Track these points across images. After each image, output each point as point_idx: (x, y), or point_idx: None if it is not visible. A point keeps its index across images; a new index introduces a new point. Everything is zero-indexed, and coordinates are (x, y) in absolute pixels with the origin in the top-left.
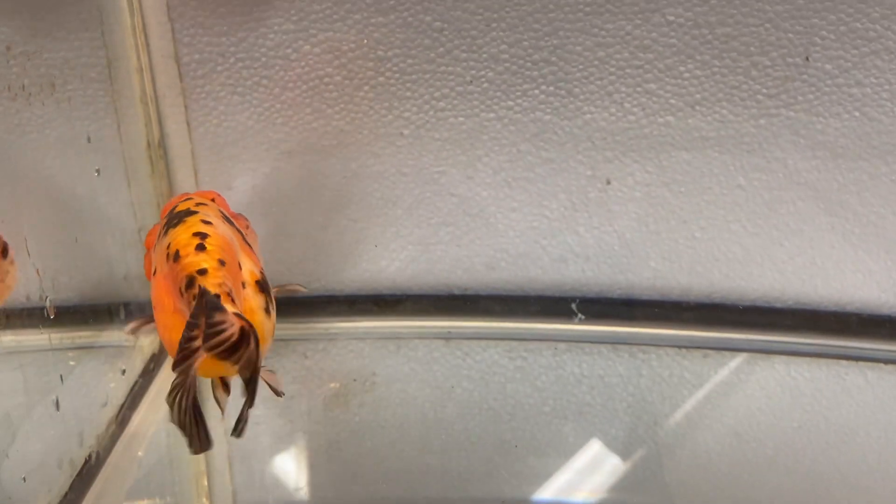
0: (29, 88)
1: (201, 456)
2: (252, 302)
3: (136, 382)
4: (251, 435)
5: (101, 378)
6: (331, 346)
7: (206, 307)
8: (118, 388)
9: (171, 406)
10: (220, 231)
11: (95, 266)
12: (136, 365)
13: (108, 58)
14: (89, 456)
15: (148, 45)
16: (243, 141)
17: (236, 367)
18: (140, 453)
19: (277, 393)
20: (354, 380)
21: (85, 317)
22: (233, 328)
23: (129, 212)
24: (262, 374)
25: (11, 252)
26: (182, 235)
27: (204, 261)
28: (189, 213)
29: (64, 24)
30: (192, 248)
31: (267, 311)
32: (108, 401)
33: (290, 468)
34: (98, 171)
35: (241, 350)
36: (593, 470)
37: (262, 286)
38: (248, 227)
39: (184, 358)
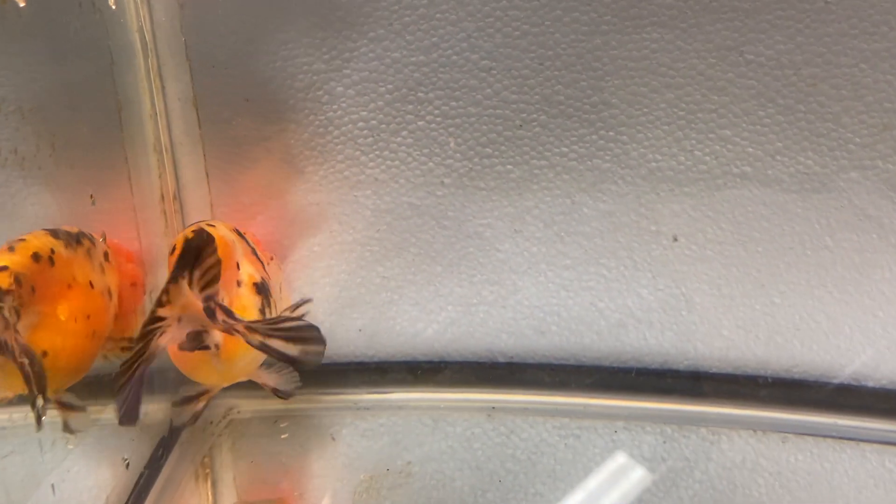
0: (23, 153)
1: None
2: (245, 300)
3: (141, 475)
4: None
5: (99, 470)
6: (360, 421)
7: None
8: (119, 483)
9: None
10: (220, 232)
11: None
12: (143, 451)
13: (118, 103)
14: None
15: (163, 88)
16: (268, 192)
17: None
18: None
19: (282, 395)
20: (387, 469)
21: (84, 393)
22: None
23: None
24: (264, 376)
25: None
26: (183, 233)
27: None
28: (197, 222)
29: (70, 71)
30: (188, 233)
31: (262, 312)
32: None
33: None
34: (104, 236)
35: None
36: None
37: (259, 289)
38: (272, 258)
39: (151, 321)
